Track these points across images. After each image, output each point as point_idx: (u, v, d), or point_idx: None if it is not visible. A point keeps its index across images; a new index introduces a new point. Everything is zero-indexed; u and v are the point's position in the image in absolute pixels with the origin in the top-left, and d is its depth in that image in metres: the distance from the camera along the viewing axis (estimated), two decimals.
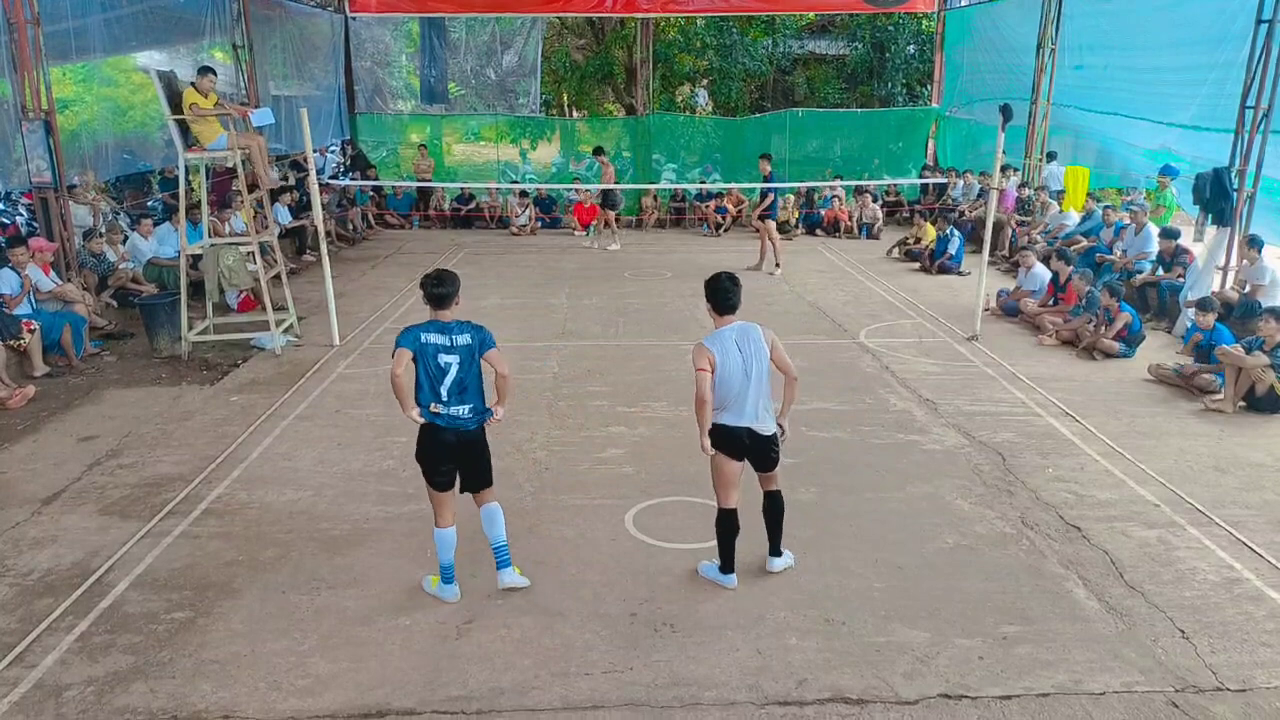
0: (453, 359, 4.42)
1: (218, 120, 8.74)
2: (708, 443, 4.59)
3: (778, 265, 13.11)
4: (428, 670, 4.14)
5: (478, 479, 4.67)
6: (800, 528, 5.41)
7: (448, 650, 4.29)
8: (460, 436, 4.51)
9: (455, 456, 4.57)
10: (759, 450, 4.67)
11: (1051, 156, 14.93)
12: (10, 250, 8.50)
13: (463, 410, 4.48)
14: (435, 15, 18.68)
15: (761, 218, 13.22)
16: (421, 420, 4.49)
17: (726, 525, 4.72)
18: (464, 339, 4.45)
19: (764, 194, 13.33)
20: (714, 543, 4.83)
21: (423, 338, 4.42)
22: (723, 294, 4.56)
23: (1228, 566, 5.04)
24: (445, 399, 4.44)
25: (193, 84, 8.55)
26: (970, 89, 17.68)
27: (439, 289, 4.45)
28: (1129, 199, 12.84)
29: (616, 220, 15.56)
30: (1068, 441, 6.84)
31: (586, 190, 16.67)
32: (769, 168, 13.45)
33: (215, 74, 8.90)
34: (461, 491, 4.70)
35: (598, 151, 16.14)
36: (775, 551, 4.97)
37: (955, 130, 18.74)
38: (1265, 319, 7.54)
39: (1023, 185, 14.71)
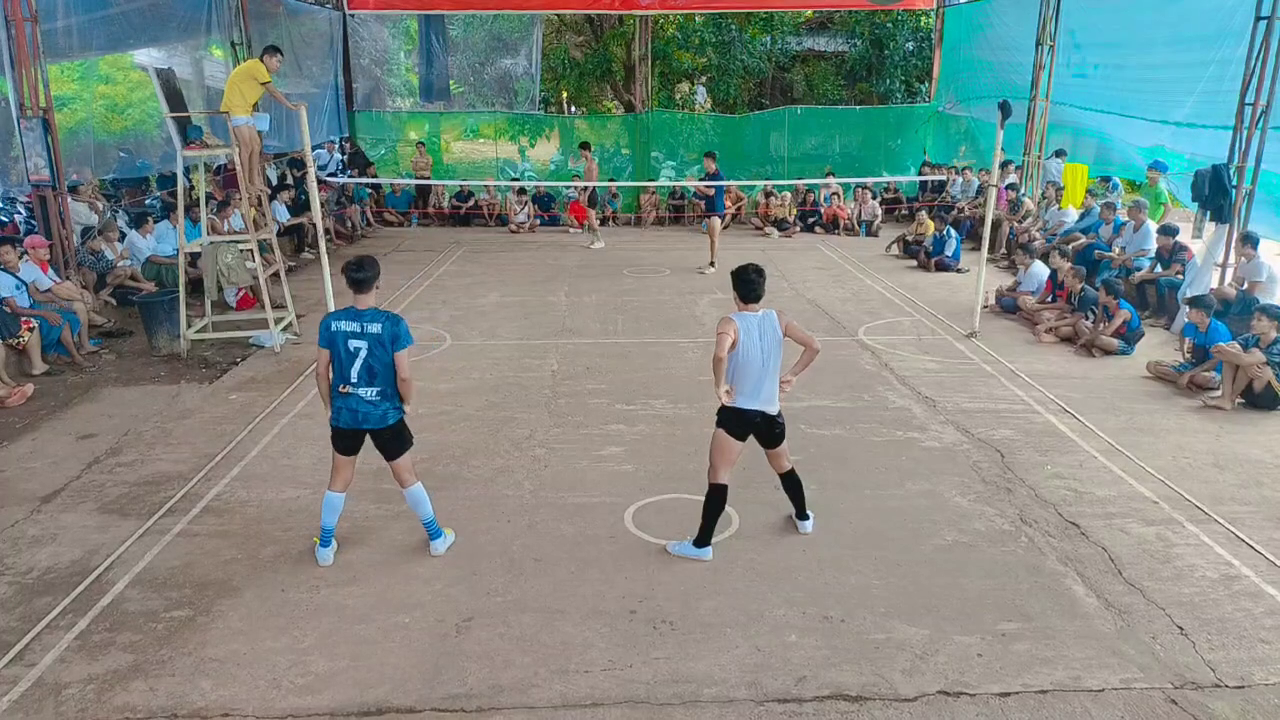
0: (362, 344, 4.69)
1: (256, 100, 8.85)
2: (723, 390, 4.73)
3: (711, 264, 12.96)
4: (427, 668, 4.14)
5: (388, 451, 4.91)
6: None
7: (447, 648, 4.29)
8: (364, 418, 4.75)
9: (360, 434, 4.84)
10: (766, 428, 4.94)
11: (1060, 154, 14.83)
12: None
13: (370, 393, 4.73)
14: (434, 12, 18.65)
15: (707, 214, 13.18)
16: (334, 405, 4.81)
17: (717, 500, 4.96)
18: (374, 327, 4.70)
19: (708, 192, 13.39)
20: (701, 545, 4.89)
21: (334, 325, 4.75)
22: (748, 285, 4.78)
23: (1226, 563, 5.05)
24: (354, 381, 4.72)
25: (262, 59, 8.82)
26: (969, 86, 17.65)
27: (358, 274, 4.76)
28: (1136, 198, 12.79)
29: (614, 218, 15.51)
30: (1066, 438, 6.85)
31: (575, 186, 16.62)
32: (714, 166, 13.40)
33: (282, 55, 9.23)
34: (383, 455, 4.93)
35: (583, 146, 16.08)
36: (802, 516, 5.33)
37: (943, 126, 18.70)
38: (1258, 316, 7.55)
39: (1009, 187, 14.57)
